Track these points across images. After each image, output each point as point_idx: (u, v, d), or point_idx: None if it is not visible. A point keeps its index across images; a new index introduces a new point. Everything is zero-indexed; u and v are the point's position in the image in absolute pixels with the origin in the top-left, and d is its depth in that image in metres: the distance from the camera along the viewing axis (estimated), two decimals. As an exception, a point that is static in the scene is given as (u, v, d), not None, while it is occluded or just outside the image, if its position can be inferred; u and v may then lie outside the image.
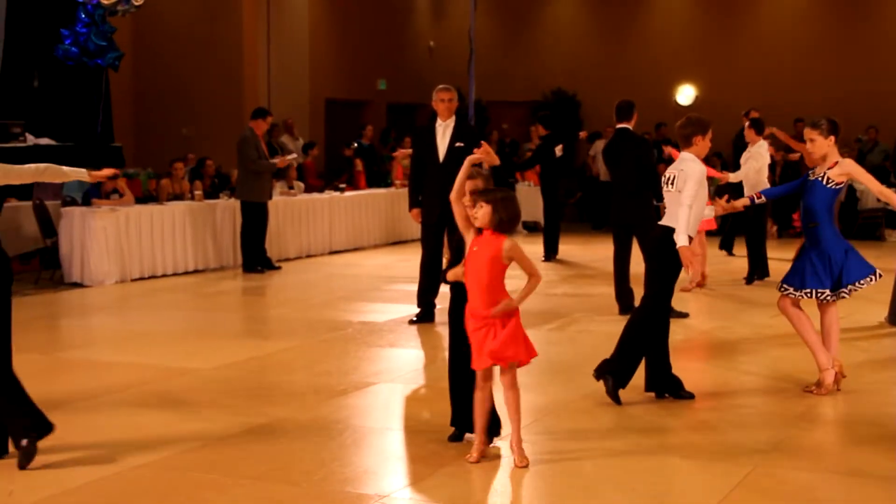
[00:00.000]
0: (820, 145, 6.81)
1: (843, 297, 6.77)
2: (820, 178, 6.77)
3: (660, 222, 6.78)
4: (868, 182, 6.89)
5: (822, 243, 6.73)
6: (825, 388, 6.80)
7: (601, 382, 6.60)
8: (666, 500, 4.90)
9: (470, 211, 5.32)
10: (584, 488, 5.06)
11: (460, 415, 5.73)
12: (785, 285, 6.86)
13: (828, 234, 6.75)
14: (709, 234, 12.06)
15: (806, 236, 6.89)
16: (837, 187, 6.78)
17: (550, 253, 14.61)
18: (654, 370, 6.74)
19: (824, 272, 6.70)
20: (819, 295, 6.73)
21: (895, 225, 17.23)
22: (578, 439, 5.90)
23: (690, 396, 6.72)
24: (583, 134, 15.76)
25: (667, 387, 6.73)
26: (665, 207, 6.78)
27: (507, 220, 5.27)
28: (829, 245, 6.73)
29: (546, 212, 14.86)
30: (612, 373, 6.59)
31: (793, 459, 5.58)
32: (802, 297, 6.77)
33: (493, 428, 5.64)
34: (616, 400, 6.55)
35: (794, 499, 4.95)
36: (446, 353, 8.95)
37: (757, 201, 7.25)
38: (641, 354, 6.69)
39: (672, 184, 6.69)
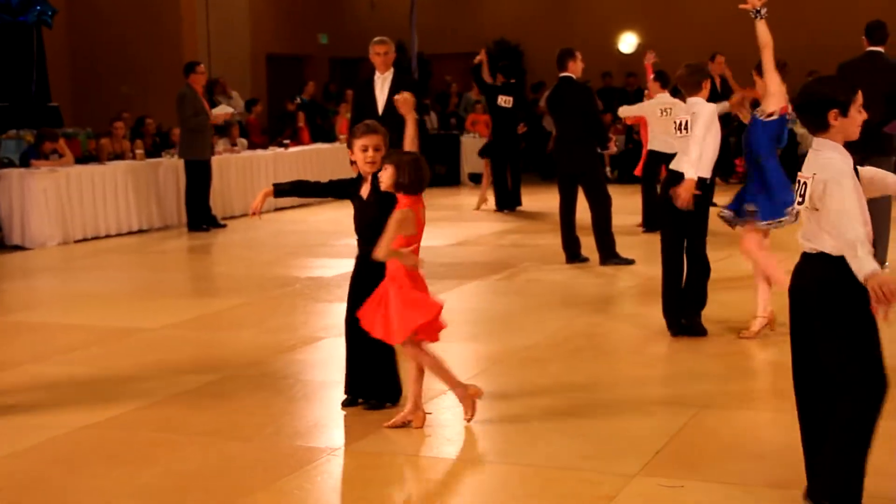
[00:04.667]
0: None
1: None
2: None
3: (675, 169, 6.89)
4: None
5: None
6: (750, 333, 6.93)
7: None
8: (612, 443, 4.97)
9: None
10: (530, 437, 5.11)
11: (354, 380, 5.64)
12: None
13: None
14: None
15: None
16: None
17: (514, 203, 14.64)
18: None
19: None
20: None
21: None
22: (526, 388, 5.96)
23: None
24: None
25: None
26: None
27: (408, 183, 5.06)
28: None
29: (512, 165, 14.78)
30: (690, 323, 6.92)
31: (737, 401, 5.70)
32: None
33: (393, 394, 5.61)
34: (703, 332, 6.92)
35: (739, 436, 5.05)
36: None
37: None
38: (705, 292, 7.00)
39: (685, 128, 6.85)
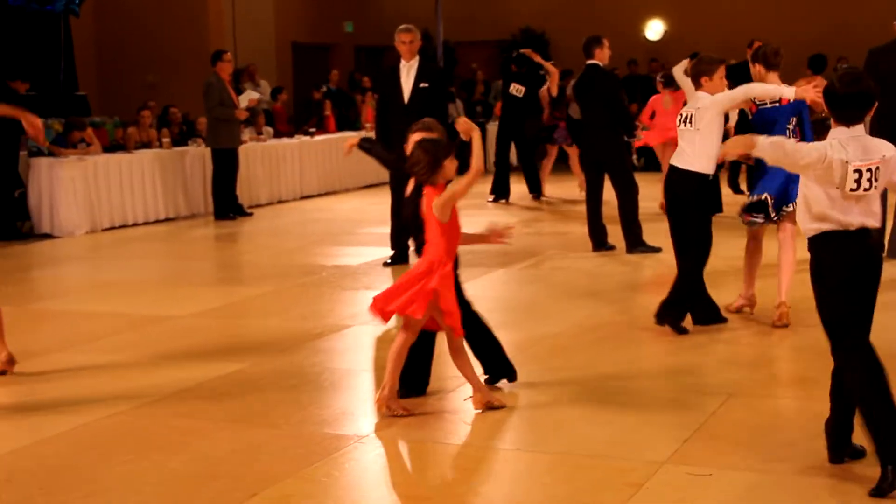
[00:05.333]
0: None
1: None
2: None
3: (676, 164, 6.79)
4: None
5: None
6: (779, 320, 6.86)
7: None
8: (640, 431, 4.96)
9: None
10: (557, 425, 5.10)
11: (488, 364, 5.71)
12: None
13: None
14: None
15: None
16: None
17: (534, 192, 14.57)
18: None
19: None
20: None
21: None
22: (552, 377, 5.95)
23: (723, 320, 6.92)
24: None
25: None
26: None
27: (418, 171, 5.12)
28: None
29: (519, 151, 14.78)
30: (671, 315, 6.77)
31: (764, 388, 5.67)
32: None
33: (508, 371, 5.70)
34: (683, 331, 6.74)
35: (767, 424, 5.02)
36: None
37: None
38: (693, 291, 6.88)
39: (689, 122, 6.76)
